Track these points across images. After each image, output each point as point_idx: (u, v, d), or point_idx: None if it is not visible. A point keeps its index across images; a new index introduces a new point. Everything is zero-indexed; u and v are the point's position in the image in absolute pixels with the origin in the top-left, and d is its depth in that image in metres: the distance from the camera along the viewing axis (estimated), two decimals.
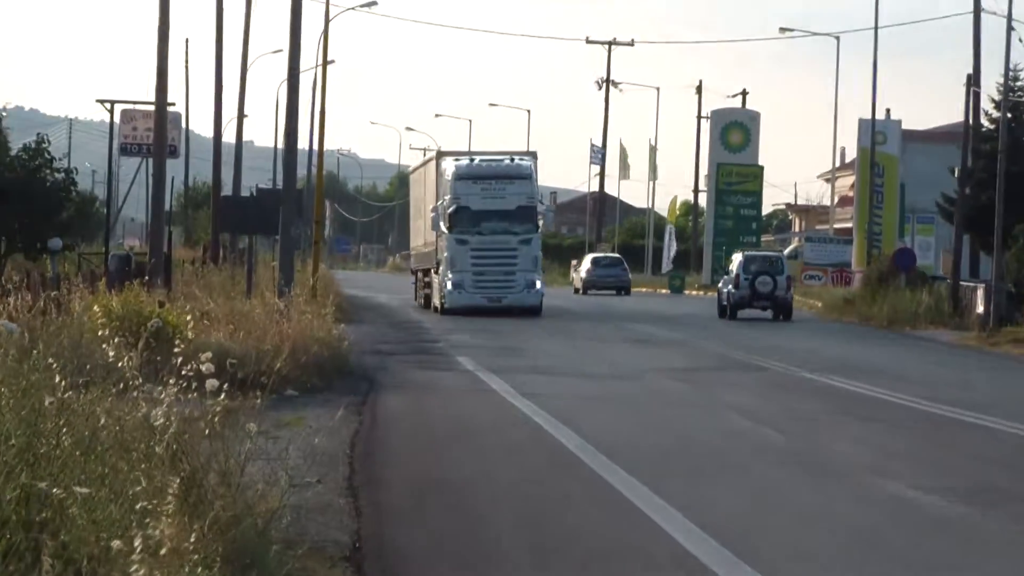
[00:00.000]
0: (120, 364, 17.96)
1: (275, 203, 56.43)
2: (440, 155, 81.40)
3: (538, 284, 76.51)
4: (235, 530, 13.99)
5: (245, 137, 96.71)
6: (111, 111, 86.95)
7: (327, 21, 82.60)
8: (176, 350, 19.13)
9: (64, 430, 15.02)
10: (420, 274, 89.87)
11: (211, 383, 16.72)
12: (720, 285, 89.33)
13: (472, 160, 77.58)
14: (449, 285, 73.59)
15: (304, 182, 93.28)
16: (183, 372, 17.04)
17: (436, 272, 77.68)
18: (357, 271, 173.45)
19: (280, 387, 30.66)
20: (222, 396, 16.83)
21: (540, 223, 79.07)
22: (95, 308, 29.64)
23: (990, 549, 20.38)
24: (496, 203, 73.71)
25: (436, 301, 78.03)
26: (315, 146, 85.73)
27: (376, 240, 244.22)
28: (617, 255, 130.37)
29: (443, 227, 74.16)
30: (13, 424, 14.62)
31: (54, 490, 12.77)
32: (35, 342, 19.88)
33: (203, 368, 16.96)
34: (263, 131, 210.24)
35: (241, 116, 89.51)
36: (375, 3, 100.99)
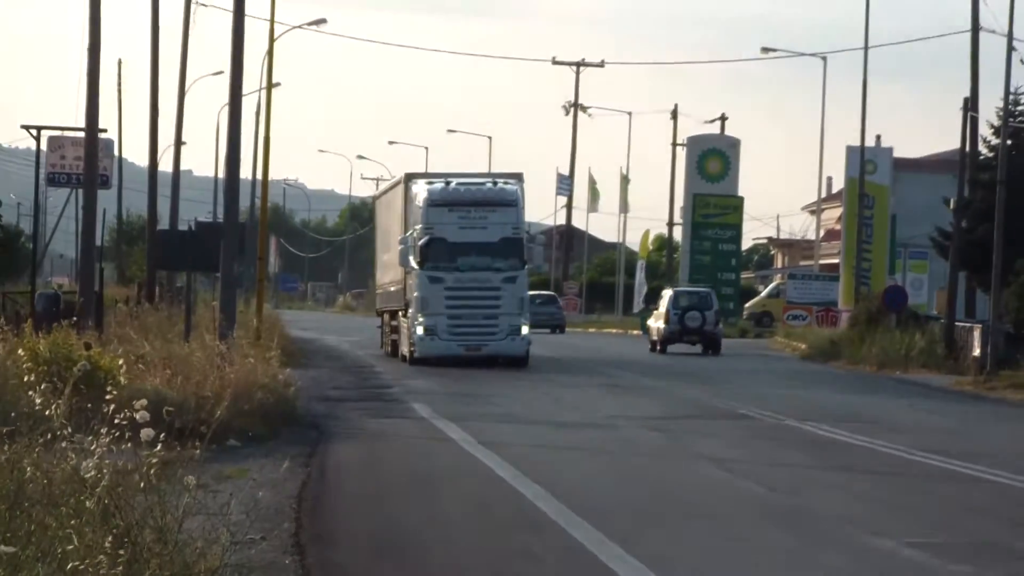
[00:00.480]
0: (47, 412, 17.93)
1: (215, 237, 54.56)
2: (409, 177, 71.22)
3: (524, 330, 67.48)
4: None
5: (183, 166, 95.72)
6: (37, 138, 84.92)
7: (272, 40, 75.60)
8: (108, 397, 19.09)
9: None
10: (387, 316, 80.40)
11: (146, 432, 16.77)
12: (650, 321, 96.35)
13: (448, 183, 67.38)
14: (420, 331, 65.05)
15: (247, 215, 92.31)
16: (116, 421, 17.07)
17: (405, 315, 69.01)
18: (304, 311, 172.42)
19: (221, 437, 30.57)
20: (158, 447, 16.90)
21: (527, 259, 69.18)
22: (20, 352, 29.56)
23: None
24: (476, 234, 64.92)
25: (404, 349, 69.24)
26: (259, 176, 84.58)
27: (325, 277, 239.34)
28: (551, 292, 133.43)
29: (413, 262, 65.36)
30: None
31: None
32: None
33: (138, 416, 16.95)
34: (203, 160, 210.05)
35: (179, 143, 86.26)
36: (324, 21, 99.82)
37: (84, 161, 61.48)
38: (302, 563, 22.31)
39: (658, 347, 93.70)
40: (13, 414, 18.83)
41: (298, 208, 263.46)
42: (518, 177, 70.60)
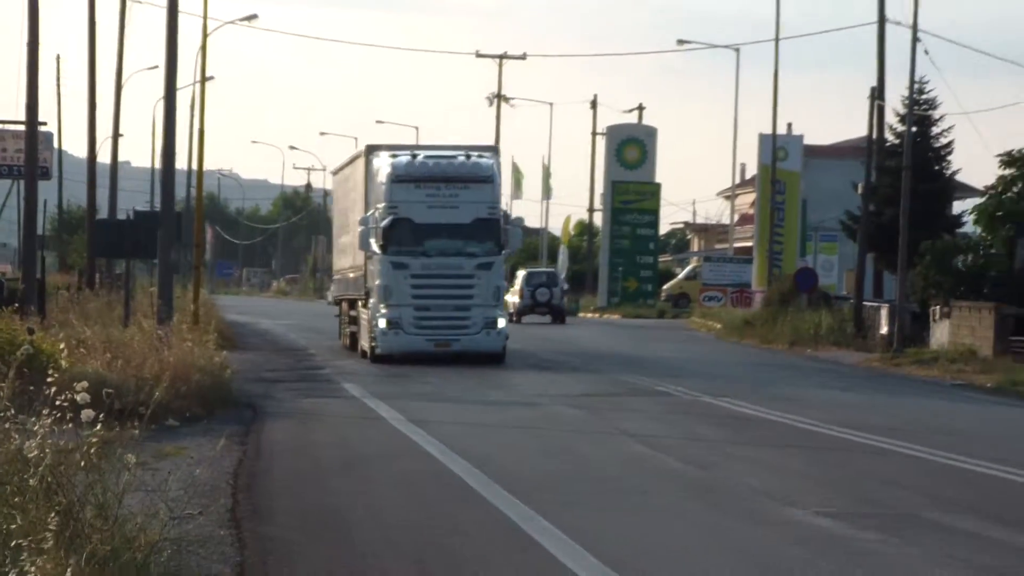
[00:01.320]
0: None
1: (152, 226, 55.04)
2: (371, 150, 59.57)
3: (501, 323, 57.64)
4: (113, 565, 14.02)
5: (121, 157, 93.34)
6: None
7: (205, 35, 72.56)
8: (50, 380, 19.09)
9: None
10: (345, 306, 68.87)
11: (87, 413, 16.68)
12: (507, 296, 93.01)
13: (415, 156, 56.81)
14: (382, 323, 55.14)
15: (183, 204, 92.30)
16: (57, 402, 17.14)
17: (365, 305, 58.75)
18: (240, 296, 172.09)
19: (160, 417, 30.66)
20: (98, 427, 16.93)
21: (504, 243, 57.57)
22: None
23: (894, 573, 20.80)
24: (447, 214, 54.69)
25: (365, 343, 59.18)
26: (194, 166, 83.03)
27: (259, 263, 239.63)
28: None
29: (375, 246, 55.15)
30: None
31: None
32: None
33: (78, 398, 16.93)
34: (140, 151, 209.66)
35: (116, 135, 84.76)
36: (255, 16, 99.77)
37: (24, 153, 61.46)
38: (238, 536, 22.26)
39: (514, 318, 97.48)
40: None
41: (233, 197, 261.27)
42: (493, 150, 61.74)
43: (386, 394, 46.29)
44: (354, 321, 63.63)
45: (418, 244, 54.09)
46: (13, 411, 17.32)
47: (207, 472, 28.12)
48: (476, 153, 57.06)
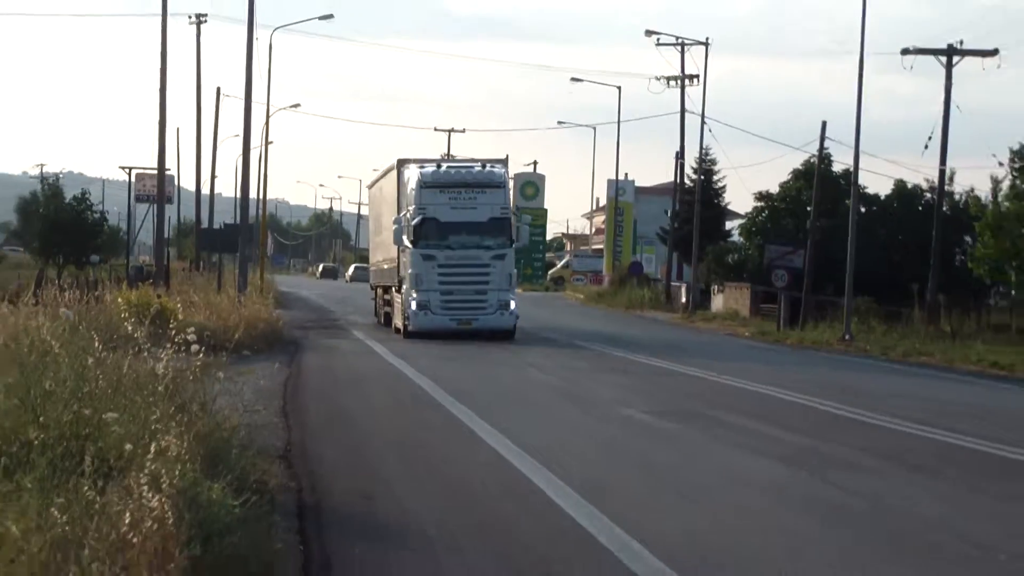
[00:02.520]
0: (135, 335, 18.83)
1: (236, 233, 60.91)
2: (402, 163, 53.51)
3: (512, 305, 50.92)
4: (210, 439, 14.54)
5: (216, 190, 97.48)
6: (129, 174, 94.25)
7: (268, 116, 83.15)
8: (171, 326, 19.64)
9: (100, 377, 15.65)
10: (380, 291, 61.18)
11: (194, 347, 17.35)
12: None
13: (439, 167, 51.60)
14: (414, 305, 48.88)
15: (254, 219, 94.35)
16: (175, 340, 17.59)
17: (398, 291, 51.96)
18: (288, 276, 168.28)
19: (238, 350, 31.80)
20: (200, 355, 17.55)
21: (515, 236, 51.84)
22: (119, 300, 30.21)
23: (683, 444, 22.82)
24: (466, 214, 49.14)
25: (398, 322, 52.26)
26: (261, 196, 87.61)
27: (301, 256, 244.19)
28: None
29: (407, 241, 49.57)
30: (67, 373, 15.17)
31: (94, 415, 13.55)
32: (81, 322, 21.43)
33: (188, 338, 17.38)
34: (228, 185, 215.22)
35: (213, 177, 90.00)
36: (299, 105, 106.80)
37: (157, 188, 66.39)
38: (286, 423, 23.37)
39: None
40: (115, 336, 19.64)
41: (284, 215, 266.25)
42: (503, 162, 55.04)
43: (379, 339, 48.54)
44: (388, 303, 56.05)
45: (443, 239, 47.84)
46: (148, 345, 17.95)
47: (267, 383, 29.32)
48: (490, 164, 51.24)
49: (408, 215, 47.97)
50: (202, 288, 54.46)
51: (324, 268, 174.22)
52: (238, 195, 67.81)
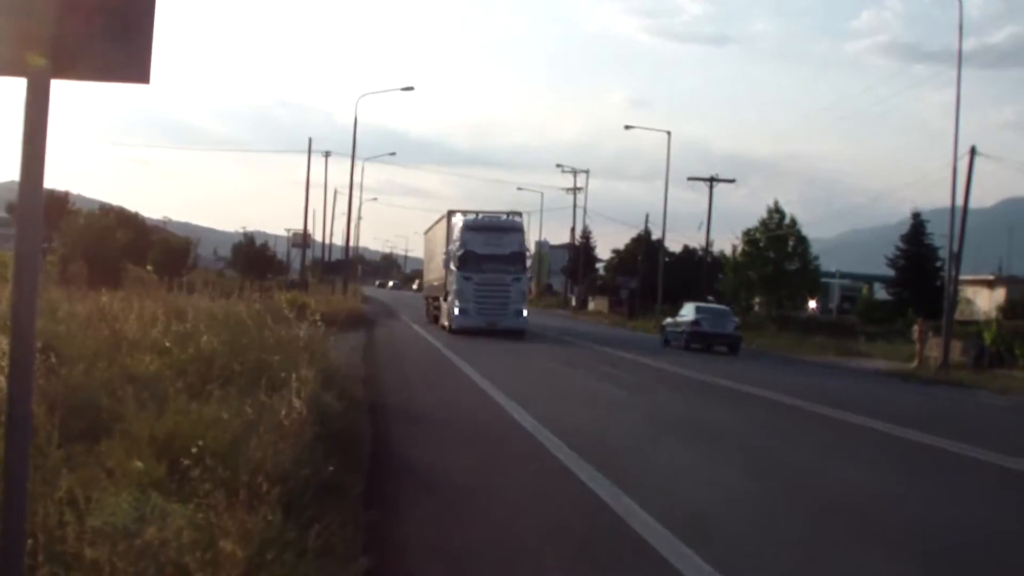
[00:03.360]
0: (289, 316, 22.21)
1: (343, 264, 74.81)
2: (450, 213, 56.90)
3: (524, 312, 53.23)
4: (326, 371, 16.74)
5: (332, 239, 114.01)
6: (290, 232, 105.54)
7: (350, 207, 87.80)
8: (307, 312, 23.27)
9: (270, 337, 18.11)
10: (431, 300, 64.13)
11: (319, 323, 20.95)
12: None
13: (477, 216, 54.97)
14: (456, 311, 51.66)
15: (352, 255, 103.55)
16: (310, 319, 21.07)
17: (445, 300, 54.88)
18: (367, 288, 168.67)
19: (342, 326, 35.85)
20: (322, 327, 21.06)
21: (528, 265, 55.59)
22: (282, 298, 34.00)
23: (574, 380, 28.08)
24: (495, 249, 52.18)
25: (444, 322, 54.50)
26: (353, 242, 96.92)
27: (376, 276, 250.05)
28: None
29: (452, 267, 52.73)
30: (254, 335, 17.84)
31: (267, 357, 15.49)
32: (261, 311, 23.09)
33: (316, 318, 21.14)
34: (339, 235, 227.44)
35: (348, 237, 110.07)
36: (376, 199, 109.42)
37: (303, 239, 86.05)
38: (364, 363, 27.90)
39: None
40: (279, 317, 21.86)
41: (366, 254, 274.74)
42: (519, 214, 57.35)
43: (418, 323, 57.61)
44: (436, 308, 58.26)
45: (478, 266, 50.37)
46: (296, 322, 21.13)
47: (356, 343, 33.92)
48: (512, 214, 54.86)
49: (454, 249, 50.70)
50: (324, 293, 65.26)
51: (385, 283, 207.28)
52: (347, 242, 78.84)
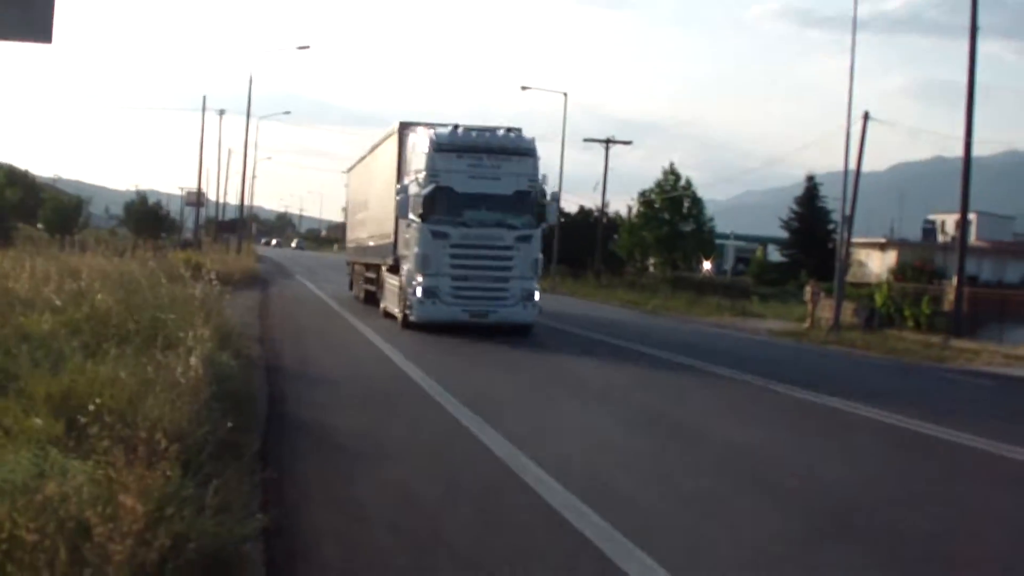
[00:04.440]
0: (185, 275, 22.65)
1: (236, 223, 72.10)
2: (405, 126, 35.85)
3: (536, 296, 32.77)
4: (222, 330, 16.86)
5: (226, 199, 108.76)
6: (190, 194, 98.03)
7: (245, 161, 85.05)
8: (203, 272, 23.56)
9: (165, 296, 18.15)
10: (361, 268, 43.80)
11: (214, 282, 21.19)
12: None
13: (456, 129, 33.22)
14: (419, 292, 31.62)
15: (247, 216, 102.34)
16: (205, 278, 21.35)
17: (396, 273, 34.23)
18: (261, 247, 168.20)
19: (236, 285, 36.67)
20: (217, 286, 21.35)
21: (544, 217, 33.57)
22: (176, 257, 32.75)
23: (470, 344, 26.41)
24: (489, 185, 32.49)
25: (392, 308, 34.16)
26: (248, 203, 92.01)
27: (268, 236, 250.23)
28: None
29: (413, 216, 32.31)
30: (148, 294, 17.83)
31: (162, 316, 15.49)
32: (155, 269, 22.86)
33: (211, 277, 21.48)
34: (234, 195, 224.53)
35: (225, 193, 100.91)
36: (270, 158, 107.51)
37: (196, 199, 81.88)
38: (260, 322, 28.19)
39: None
40: (173, 275, 22.25)
41: (261, 213, 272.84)
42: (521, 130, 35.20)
43: (311, 279, 57.30)
44: (371, 282, 40.20)
45: (458, 214, 31.50)
46: (191, 280, 21.41)
47: (251, 302, 34.19)
48: (513, 130, 33.53)
49: (417, 183, 31.44)
50: (218, 252, 63.98)
51: (273, 241, 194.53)
52: (241, 201, 76.98)
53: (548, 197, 31.90)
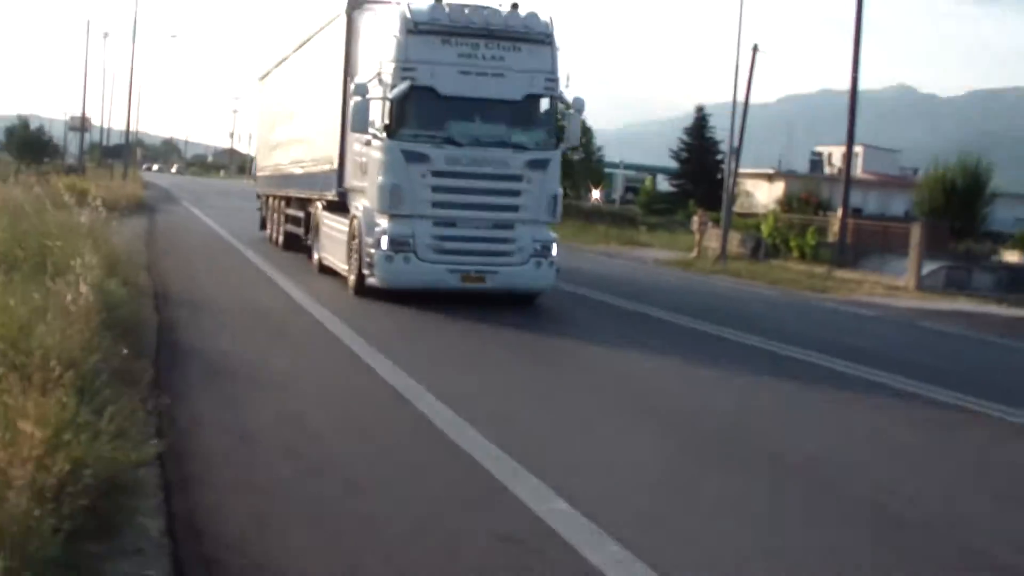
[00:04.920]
0: (70, 202, 22.13)
1: (123, 148, 68.17)
2: (357, 4, 23.15)
3: (552, 250, 20.94)
4: (110, 258, 16.61)
5: (111, 124, 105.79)
6: (75, 119, 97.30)
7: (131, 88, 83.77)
8: (89, 199, 23.06)
9: (51, 223, 17.84)
10: (279, 203, 33.06)
11: (100, 209, 20.93)
12: None
13: (440, 1, 20.47)
14: (384, 243, 20.20)
15: (132, 140, 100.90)
16: (91, 205, 20.99)
17: (339, 211, 23.51)
18: (149, 173, 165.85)
19: (124, 212, 38.32)
20: (104, 213, 21.17)
21: (564, 135, 21.52)
22: (60, 184, 31.67)
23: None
24: (488, 85, 20.33)
25: (340, 264, 23.03)
26: (133, 128, 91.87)
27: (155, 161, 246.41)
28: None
29: (376, 127, 20.38)
30: (35, 221, 17.62)
31: (50, 243, 15.37)
32: (40, 195, 22.50)
33: (97, 204, 21.17)
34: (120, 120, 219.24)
35: (129, 115, 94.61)
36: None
37: (81, 123, 78.77)
38: (147, 250, 27.62)
39: None
40: (59, 202, 21.86)
41: (146, 139, 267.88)
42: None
43: (198, 205, 56.52)
44: (298, 223, 29.44)
45: (442, 127, 20.65)
46: (76, 207, 20.95)
47: (139, 229, 34.36)
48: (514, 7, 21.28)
49: (381, 82, 20.87)
50: (104, 178, 63.97)
51: (155, 167, 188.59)
52: (128, 127, 77.43)
53: (571, 107, 21.17)
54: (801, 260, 42.81)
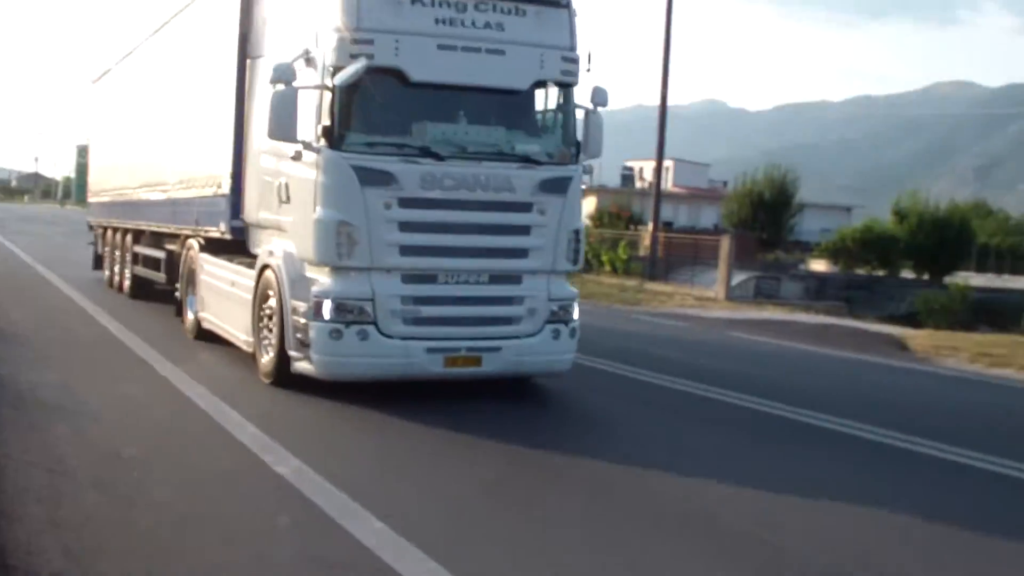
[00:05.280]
0: None
1: None
2: None
3: (575, 312, 13.01)
4: None
5: None
6: None
7: None
8: None
9: None
10: (124, 238, 24.13)
11: None
12: None
13: None
14: (327, 313, 11.63)
15: None
16: None
17: (235, 253, 14.68)
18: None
19: None
20: None
21: (585, 142, 12.88)
22: None
23: None
24: (479, 67, 11.54)
25: (240, 335, 14.16)
26: None
27: None
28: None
29: (313, 132, 11.69)
30: None
31: None
32: None
33: None
34: None
35: None
36: None
37: None
38: None
39: None
40: None
41: None
42: None
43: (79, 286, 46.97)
44: (158, 266, 20.67)
45: (414, 131, 12.00)
46: None
47: None
48: None
49: (319, 60, 12.31)
50: None
51: None
52: None
53: (591, 100, 13.70)
54: (613, 274, 43.70)
